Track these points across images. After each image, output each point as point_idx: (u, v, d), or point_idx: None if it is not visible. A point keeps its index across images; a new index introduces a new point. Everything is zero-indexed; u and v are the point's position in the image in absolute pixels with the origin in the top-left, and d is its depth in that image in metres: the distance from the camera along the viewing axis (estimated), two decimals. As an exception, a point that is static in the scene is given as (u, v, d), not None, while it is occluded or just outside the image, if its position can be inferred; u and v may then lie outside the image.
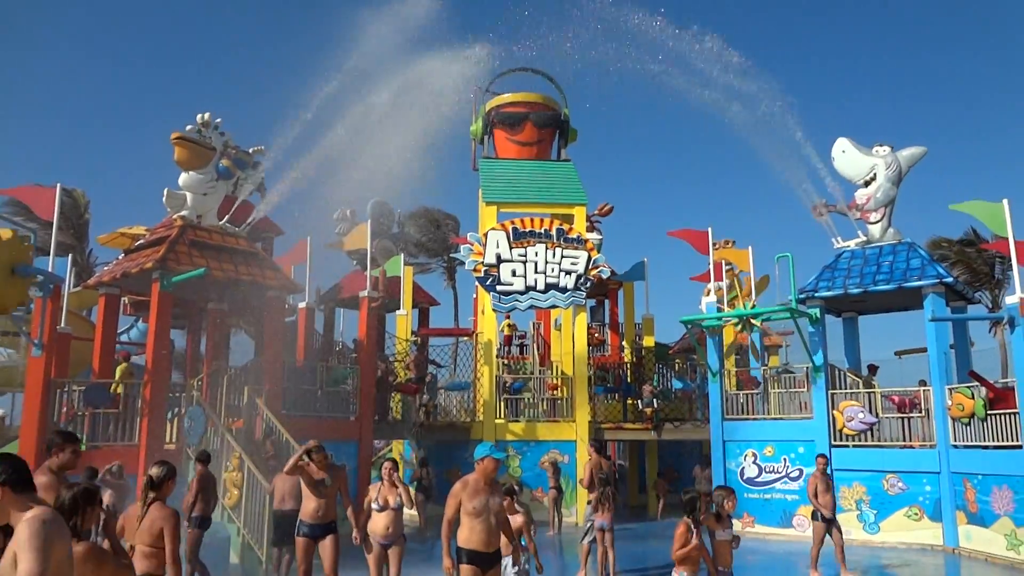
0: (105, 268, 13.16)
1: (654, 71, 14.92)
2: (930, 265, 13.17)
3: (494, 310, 15.33)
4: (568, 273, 15.12)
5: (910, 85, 64.27)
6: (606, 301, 21.01)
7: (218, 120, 12.96)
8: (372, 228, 16.08)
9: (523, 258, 15.07)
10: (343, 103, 13.59)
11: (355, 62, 13.66)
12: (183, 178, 12.79)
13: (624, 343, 19.40)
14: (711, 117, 14.53)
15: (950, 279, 13.03)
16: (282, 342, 13.39)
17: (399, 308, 17.35)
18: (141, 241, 13.17)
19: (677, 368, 18.00)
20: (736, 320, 14.44)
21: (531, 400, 16.58)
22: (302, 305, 15.49)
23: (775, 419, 14.31)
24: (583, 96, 20.71)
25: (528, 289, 15.00)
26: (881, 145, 14.25)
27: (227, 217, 13.26)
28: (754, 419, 14.54)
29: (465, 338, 17.81)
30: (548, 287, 15.04)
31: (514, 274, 14.98)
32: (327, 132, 13.34)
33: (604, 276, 15.80)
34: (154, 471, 5.13)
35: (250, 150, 13.67)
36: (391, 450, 18.42)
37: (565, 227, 15.40)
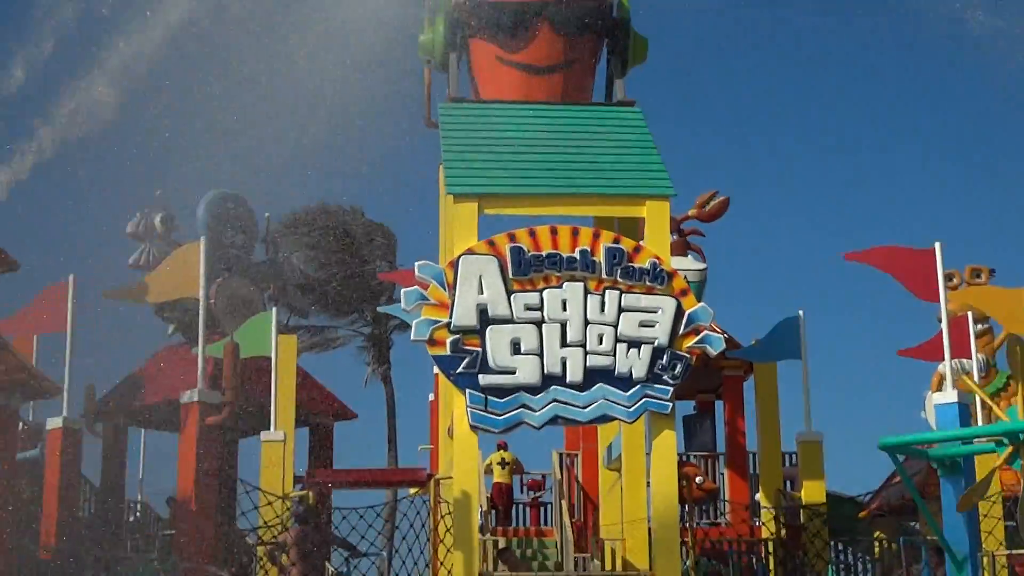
0: None
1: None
2: None
3: (473, 429, 15.04)
4: (635, 345, 15.12)
5: None
6: (719, 405, 21.00)
7: None
8: (210, 252, 16.78)
9: (536, 312, 15.11)
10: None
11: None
12: None
13: (760, 497, 19.27)
14: (918, 26, 15.04)
15: None
16: (16, 502, 14.11)
17: (269, 427, 17.61)
18: None
19: (878, 553, 18.24)
20: (1005, 442, 14.40)
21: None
22: (55, 423, 16.05)
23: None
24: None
25: (548, 381, 14.97)
26: None
27: None
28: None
29: (413, 490, 18.26)
30: (592, 376, 15.02)
31: (518, 349, 14.96)
32: (114, 55, 14.91)
33: (714, 351, 15.44)
34: None
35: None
36: None
37: (626, 246, 15.37)
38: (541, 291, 15.28)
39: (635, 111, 17.90)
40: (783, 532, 18.55)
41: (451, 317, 15.07)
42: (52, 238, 16.83)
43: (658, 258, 15.48)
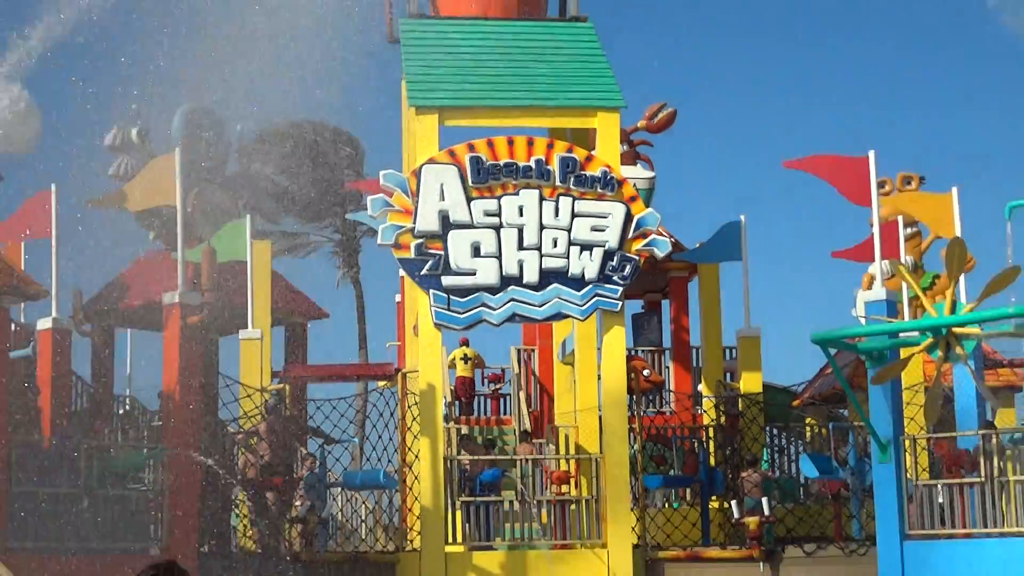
0: None
1: None
2: None
3: (437, 326, 15.89)
4: (587, 248, 15.87)
5: None
6: (665, 304, 21.78)
7: None
8: (185, 164, 16.21)
9: (494, 217, 15.81)
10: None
11: None
12: None
13: (702, 387, 20.05)
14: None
15: None
16: (4, 398, 13.60)
17: (247, 326, 18.13)
18: None
19: (809, 438, 18.76)
20: (928, 336, 14.61)
21: (517, 506, 16.91)
22: (45, 324, 15.75)
23: (1010, 535, 14.26)
24: None
25: (506, 282, 15.79)
26: None
27: None
28: (966, 537, 14.59)
29: (382, 383, 18.68)
30: (547, 276, 15.84)
31: (477, 252, 15.72)
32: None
33: (661, 253, 16.33)
34: None
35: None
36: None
37: (579, 155, 16.00)
38: (499, 198, 15.86)
39: (587, 26, 18.02)
40: (723, 419, 19.15)
41: (415, 223, 15.60)
42: (34, 144, 16.90)
43: (609, 167, 16.10)
